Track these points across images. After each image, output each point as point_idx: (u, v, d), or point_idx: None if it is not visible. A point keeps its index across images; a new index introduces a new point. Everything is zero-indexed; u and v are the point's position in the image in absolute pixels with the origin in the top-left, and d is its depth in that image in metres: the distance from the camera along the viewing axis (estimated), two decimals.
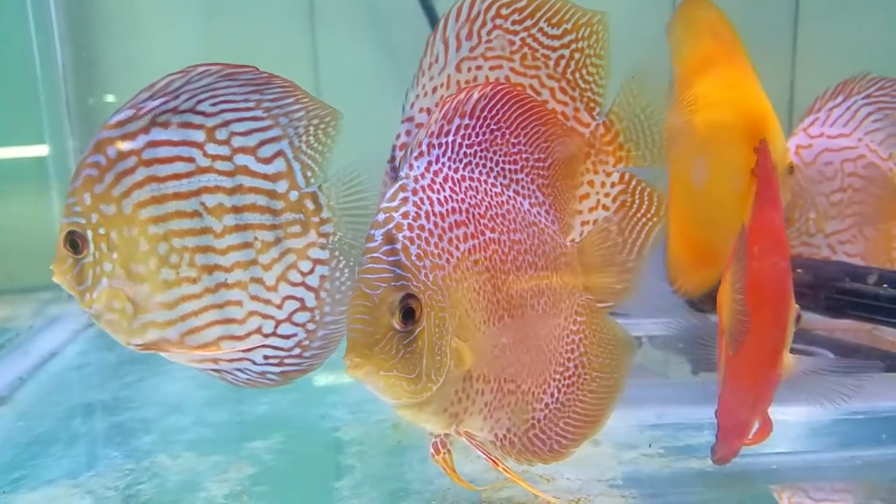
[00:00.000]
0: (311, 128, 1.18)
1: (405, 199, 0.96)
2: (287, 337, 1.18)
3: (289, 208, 1.16)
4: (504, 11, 1.22)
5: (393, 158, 1.27)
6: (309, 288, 1.18)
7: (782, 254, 1.07)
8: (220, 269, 1.13)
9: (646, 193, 1.29)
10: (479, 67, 1.23)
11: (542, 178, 1.13)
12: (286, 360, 1.19)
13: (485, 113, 1.06)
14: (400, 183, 0.97)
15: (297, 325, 1.18)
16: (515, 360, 1.04)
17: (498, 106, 1.07)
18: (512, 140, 1.10)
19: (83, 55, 2.42)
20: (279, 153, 1.16)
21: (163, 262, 1.11)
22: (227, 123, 1.13)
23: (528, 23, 1.23)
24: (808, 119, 2.00)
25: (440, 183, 0.99)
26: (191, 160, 1.11)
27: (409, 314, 0.90)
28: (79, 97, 2.42)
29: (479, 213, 1.02)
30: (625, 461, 1.28)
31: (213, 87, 1.12)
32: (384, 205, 0.95)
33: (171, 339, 1.14)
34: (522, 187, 1.11)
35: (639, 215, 1.29)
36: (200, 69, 1.12)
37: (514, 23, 1.22)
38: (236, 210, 1.14)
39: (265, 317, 1.17)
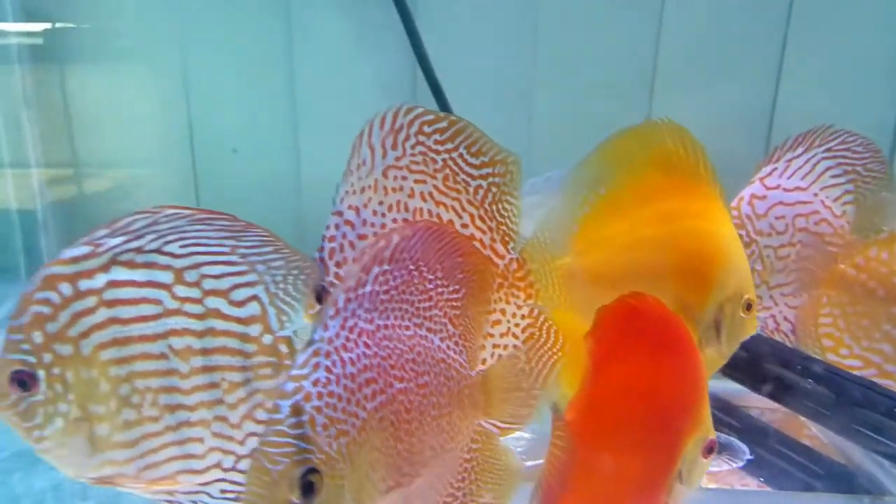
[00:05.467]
0: (291, 277, 1.15)
1: (317, 365, 0.93)
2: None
3: (261, 351, 1.12)
4: (426, 129, 1.22)
5: (321, 248, 1.25)
6: None
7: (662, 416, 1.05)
8: (184, 409, 1.09)
9: (552, 330, 1.33)
10: (404, 178, 1.23)
11: (454, 310, 1.14)
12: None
13: (404, 255, 1.04)
14: (314, 347, 0.94)
15: None
16: None
17: (418, 245, 1.06)
18: (428, 276, 1.09)
19: None
20: (253, 297, 1.12)
21: (124, 402, 1.06)
22: (197, 266, 1.10)
23: (449, 146, 1.23)
24: (766, 168, 1.98)
25: (354, 340, 0.97)
26: (158, 302, 1.08)
27: (308, 489, 0.89)
28: None
29: (389, 365, 1.00)
30: None
31: (182, 229, 1.08)
32: (294, 372, 0.93)
33: (127, 475, 1.10)
34: (435, 323, 1.10)
35: (545, 348, 1.33)
36: (169, 211, 1.09)
37: (436, 142, 1.23)
38: (205, 352, 1.10)
39: (226, 452, 1.14)
